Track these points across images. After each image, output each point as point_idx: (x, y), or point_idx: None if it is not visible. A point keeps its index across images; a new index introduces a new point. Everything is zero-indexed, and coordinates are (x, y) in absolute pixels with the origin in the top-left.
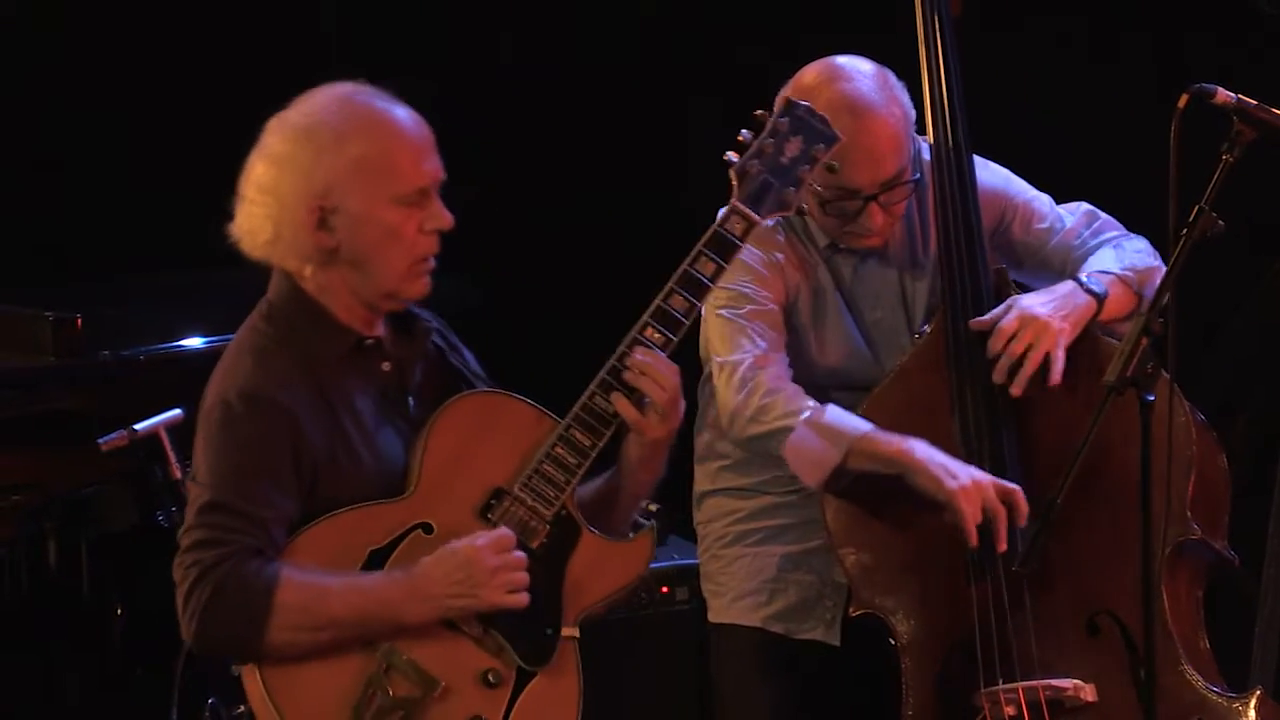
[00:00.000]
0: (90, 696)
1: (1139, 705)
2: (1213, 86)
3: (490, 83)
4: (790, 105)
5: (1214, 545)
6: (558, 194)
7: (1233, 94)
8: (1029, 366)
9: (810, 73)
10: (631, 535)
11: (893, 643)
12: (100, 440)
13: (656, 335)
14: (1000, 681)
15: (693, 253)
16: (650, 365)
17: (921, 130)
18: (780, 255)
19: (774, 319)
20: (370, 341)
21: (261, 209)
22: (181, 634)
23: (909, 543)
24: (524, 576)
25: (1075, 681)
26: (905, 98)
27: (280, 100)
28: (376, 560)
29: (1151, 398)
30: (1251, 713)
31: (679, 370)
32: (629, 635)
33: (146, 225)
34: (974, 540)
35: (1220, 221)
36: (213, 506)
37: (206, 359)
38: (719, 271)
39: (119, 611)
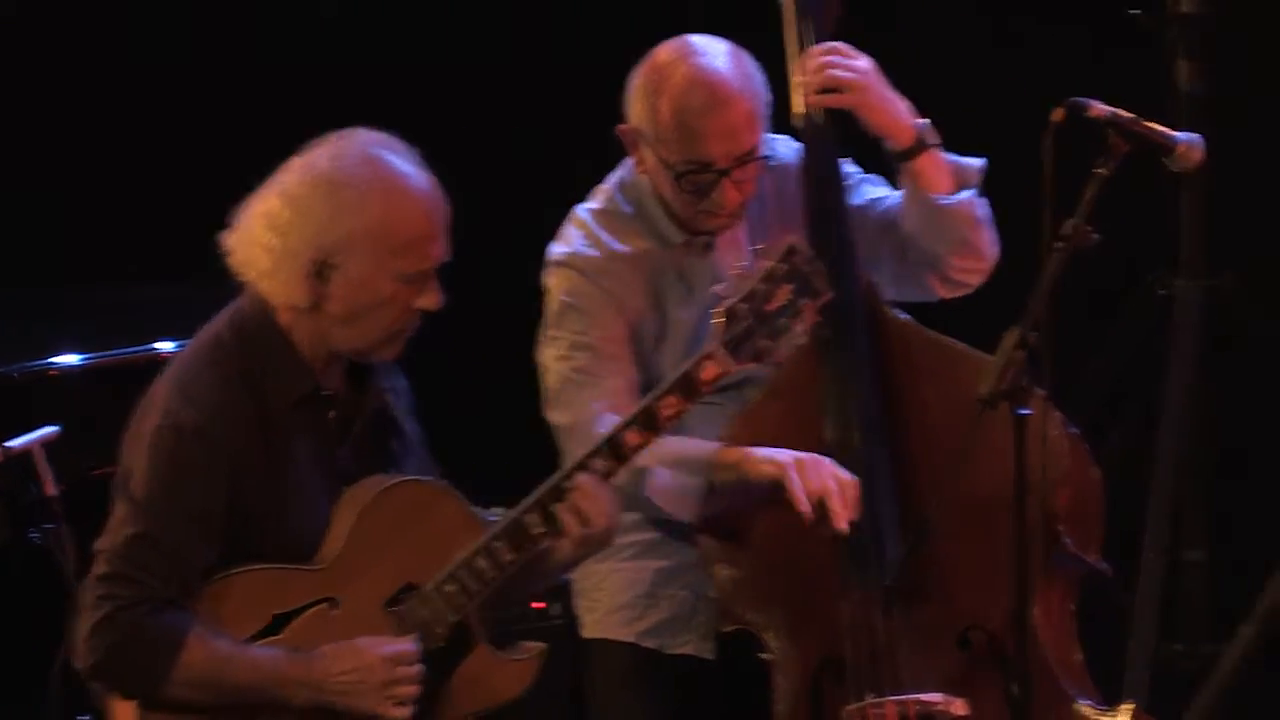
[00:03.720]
0: None
1: (1013, 719)
2: (1087, 100)
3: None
4: (791, 251)
5: (1087, 559)
6: None
7: (1107, 107)
8: (828, 82)
9: (665, 50)
10: (520, 654)
11: (764, 657)
12: None
13: (601, 464)
14: (871, 696)
15: (658, 390)
16: (596, 493)
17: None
18: (618, 285)
19: (615, 362)
20: (326, 393)
21: (264, 242)
22: (76, 656)
23: (780, 558)
24: (415, 690)
25: (946, 696)
26: (760, 77)
27: (174, 107)
28: (279, 623)
29: (1025, 411)
30: None
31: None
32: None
33: (18, 239)
34: (806, 510)
35: (1094, 235)
36: (142, 539)
37: (82, 377)
38: (681, 412)
39: None
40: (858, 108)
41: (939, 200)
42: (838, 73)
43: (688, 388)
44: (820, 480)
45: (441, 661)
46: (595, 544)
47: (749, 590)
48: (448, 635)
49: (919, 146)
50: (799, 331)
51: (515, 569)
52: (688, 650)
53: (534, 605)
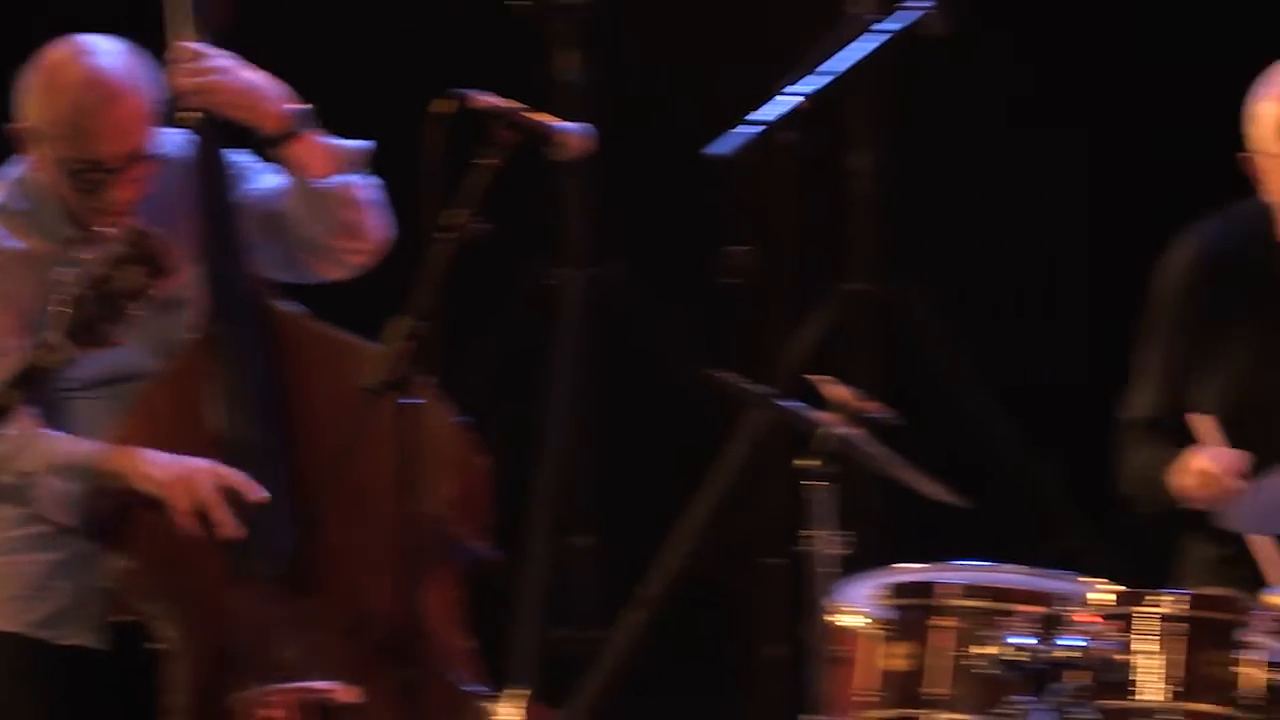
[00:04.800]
0: None
1: (403, 706)
2: (468, 91)
3: None
4: (137, 233)
5: (476, 547)
6: None
7: (489, 98)
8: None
9: (57, 49)
10: None
11: (155, 647)
12: None
13: None
14: (261, 686)
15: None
16: None
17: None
18: (10, 280)
19: (12, 359)
20: None
21: None
22: None
23: (171, 551)
24: None
25: (338, 684)
26: (152, 76)
27: None
28: None
29: (411, 400)
30: (511, 710)
31: None
32: None
33: None
34: (187, 529)
35: (482, 225)
36: None
37: None
38: (23, 400)
39: None
40: (213, 108)
41: (315, 184)
42: (184, 79)
43: (31, 379)
44: (199, 495)
45: None
46: None
47: (140, 581)
48: None
49: (289, 133)
50: (142, 311)
51: None
52: (78, 642)
53: None
